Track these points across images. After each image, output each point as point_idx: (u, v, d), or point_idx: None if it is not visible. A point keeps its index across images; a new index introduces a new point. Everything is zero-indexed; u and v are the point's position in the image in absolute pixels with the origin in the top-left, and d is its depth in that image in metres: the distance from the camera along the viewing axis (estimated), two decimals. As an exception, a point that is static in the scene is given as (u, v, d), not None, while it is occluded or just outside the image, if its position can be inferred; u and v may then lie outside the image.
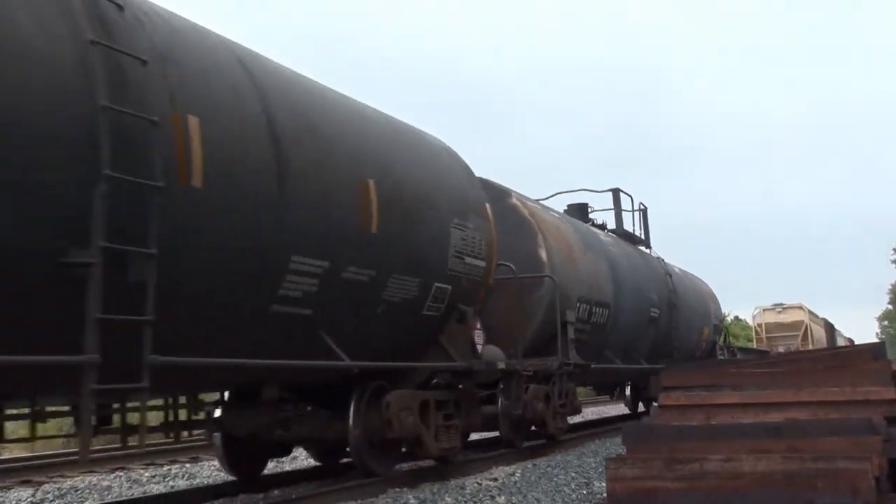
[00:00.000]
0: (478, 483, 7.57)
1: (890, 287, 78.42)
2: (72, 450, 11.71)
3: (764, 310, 33.42)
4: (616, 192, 15.78)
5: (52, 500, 7.84)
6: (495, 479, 7.79)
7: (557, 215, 12.58)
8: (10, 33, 3.94)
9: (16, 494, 8.11)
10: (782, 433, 4.57)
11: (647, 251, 16.33)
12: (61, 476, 9.28)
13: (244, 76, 5.57)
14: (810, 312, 34.36)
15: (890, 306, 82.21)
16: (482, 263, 8.19)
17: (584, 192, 15.39)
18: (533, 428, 10.58)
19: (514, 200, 10.99)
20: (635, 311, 13.71)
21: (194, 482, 8.86)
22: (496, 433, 9.96)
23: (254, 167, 5.31)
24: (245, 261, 5.29)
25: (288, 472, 8.90)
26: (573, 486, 7.76)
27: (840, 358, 6.13)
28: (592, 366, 11.46)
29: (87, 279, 4.12)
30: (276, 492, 7.88)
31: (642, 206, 16.69)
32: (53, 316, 4.19)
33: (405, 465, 8.36)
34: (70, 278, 4.12)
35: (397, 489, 7.12)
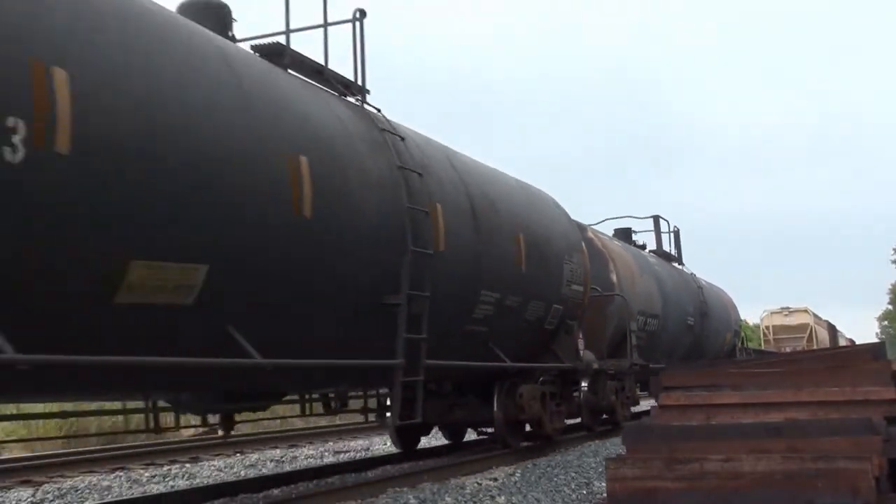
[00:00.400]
0: (478, 483, 7.57)
1: (890, 287, 78.42)
2: (72, 449, 11.72)
3: (771, 313, 35.76)
4: (657, 219, 18.25)
5: (52, 500, 7.84)
6: (495, 479, 7.79)
7: (621, 244, 15.42)
8: (365, 172, 6.49)
9: (16, 494, 8.11)
10: (782, 433, 4.57)
11: (681, 268, 18.82)
12: (61, 476, 9.28)
13: (454, 173, 8.15)
14: (815, 315, 36.10)
15: (890, 306, 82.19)
16: (581, 288, 10.67)
17: (628, 218, 17.71)
18: (604, 416, 13.10)
19: (590, 234, 13.75)
20: (677, 320, 16.57)
21: (194, 482, 8.86)
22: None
23: (465, 234, 7.84)
24: (461, 296, 7.80)
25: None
26: (573, 486, 7.76)
27: (840, 358, 6.13)
28: (650, 366, 14.04)
29: (397, 313, 6.65)
30: (275, 491, 7.90)
31: (675, 229, 18.95)
32: (379, 335, 6.65)
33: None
34: (387, 312, 6.64)
35: (397, 489, 7.13)
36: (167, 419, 8.72)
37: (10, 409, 9.47)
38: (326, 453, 11.53)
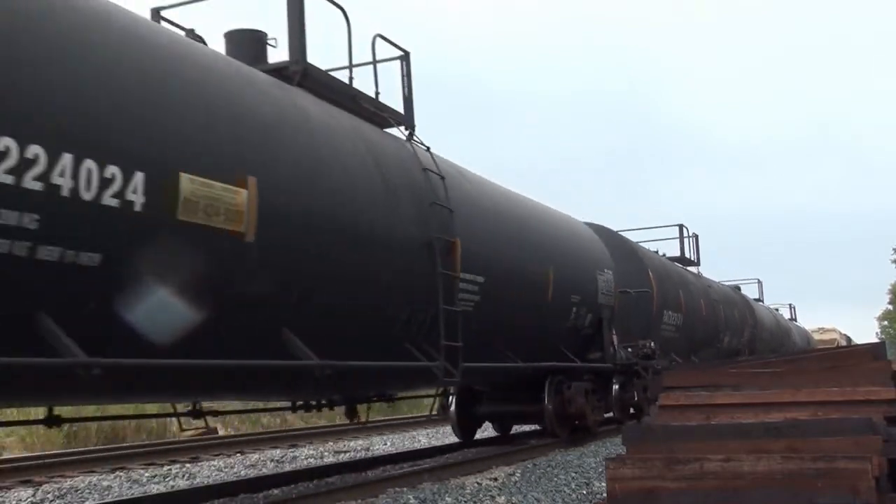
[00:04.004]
0: (478, 483, 7.57)
1: (890, 287, 78.27)
2: (72, 449, 11.71)
3: (811, 331, 45.19)
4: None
5: (52, 500, 7.84)
6: (495, 479, 7.79)
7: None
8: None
9: (16, 494, 8.11)
10: (782, 433, 4.57)
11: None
12: (61, 476, 9.28)
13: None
14: (839, 332, 49.15)
15: (890, 306, 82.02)
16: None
17: None
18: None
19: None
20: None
21: (194, 482, 8.85)
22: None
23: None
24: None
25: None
26: (573, 486, 7.76)
27: (840, 358, 6.12)
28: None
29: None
30: (275, 491, 7.89)
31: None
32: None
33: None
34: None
35: (397, 489, 7.13)
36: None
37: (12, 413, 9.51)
38: (326, 453, 11.52)
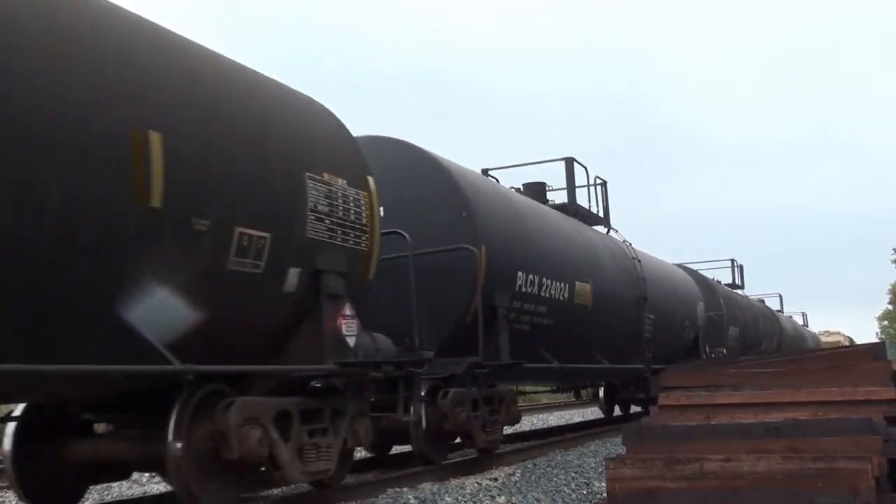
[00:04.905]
0: (478, 483, 7.57)
1: (890, 287, 78.26)
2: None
3: (818, 333, 48.16)
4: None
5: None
6: (495, 479, 7.79)
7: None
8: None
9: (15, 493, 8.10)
10: (782, 433, 4.57)
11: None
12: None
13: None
14: (843, 334, 54.61)
15: (890, 306, 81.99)
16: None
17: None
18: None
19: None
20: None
21: (194, 482, 8.83)
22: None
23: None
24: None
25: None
26: (573, 486, 7.76)
27: (840, 358, 6.12)
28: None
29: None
30: (275, 491, 7.88)
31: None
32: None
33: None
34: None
35: (397, 489, 7.12)
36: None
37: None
38: (326, 453, 11.50)
